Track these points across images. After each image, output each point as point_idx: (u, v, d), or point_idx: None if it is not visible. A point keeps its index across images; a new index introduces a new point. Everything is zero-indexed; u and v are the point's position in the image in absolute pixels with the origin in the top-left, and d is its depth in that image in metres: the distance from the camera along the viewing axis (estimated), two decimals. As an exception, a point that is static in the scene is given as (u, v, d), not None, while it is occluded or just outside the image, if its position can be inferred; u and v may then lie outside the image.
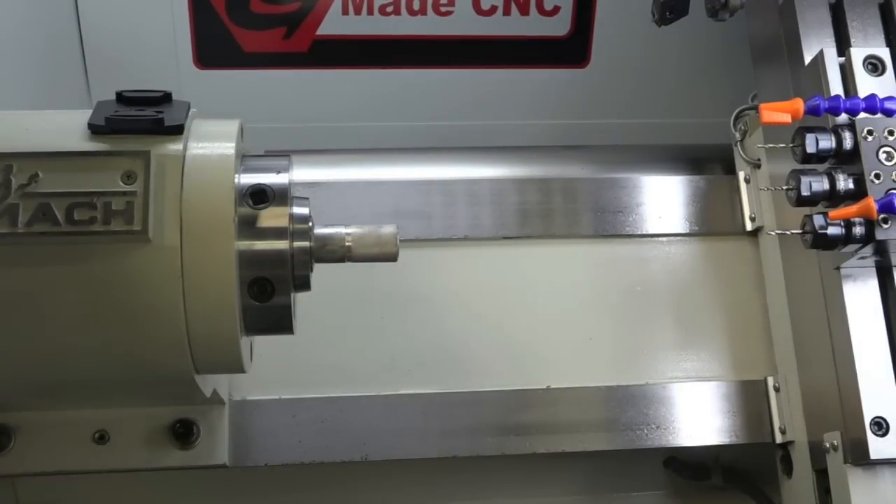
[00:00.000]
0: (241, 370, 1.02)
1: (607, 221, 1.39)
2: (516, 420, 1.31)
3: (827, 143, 1.11)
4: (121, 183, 0.93)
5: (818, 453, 1.21)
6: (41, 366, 0.99)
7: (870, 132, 1.10)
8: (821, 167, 1.13)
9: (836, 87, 1.18)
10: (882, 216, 1.07)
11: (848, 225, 1.09)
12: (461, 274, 1.35)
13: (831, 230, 1.10)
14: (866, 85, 1.17)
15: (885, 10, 1.26)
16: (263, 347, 1.12)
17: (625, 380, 1.33)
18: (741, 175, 1.40)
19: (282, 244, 1.00)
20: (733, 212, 1.40)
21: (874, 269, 1.18)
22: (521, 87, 1.77)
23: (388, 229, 1.06)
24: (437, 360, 1.32)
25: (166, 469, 1.19)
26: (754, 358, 1.36)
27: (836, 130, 1.12)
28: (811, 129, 1.12)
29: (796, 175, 1.12)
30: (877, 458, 1.13)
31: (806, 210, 1.14)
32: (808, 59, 1.23)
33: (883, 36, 1.25)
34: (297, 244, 1.01)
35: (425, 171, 1.42)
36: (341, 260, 1.05)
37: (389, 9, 1.68)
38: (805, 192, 1.11)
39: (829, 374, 1.19)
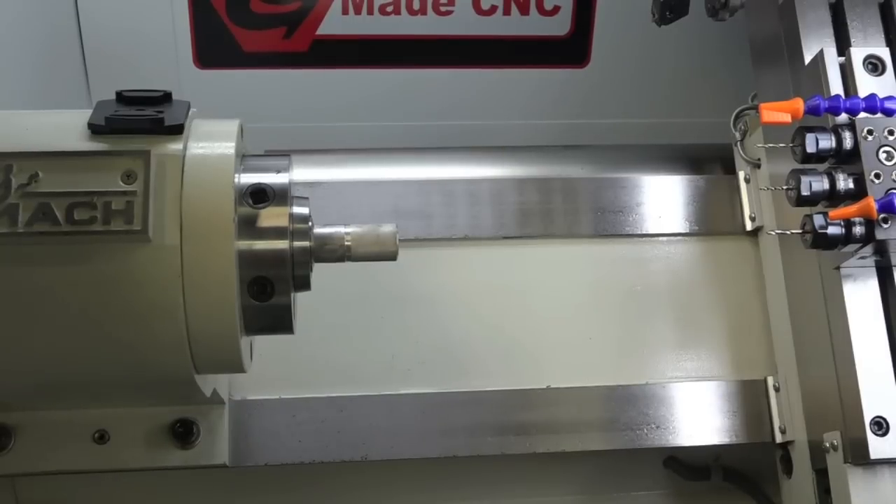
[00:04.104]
0: (241, 370, 1.02)
1: (607, 221, 1.39)
2: (516, 420, 1.31)
3: (827, 142, 1.11)
4: (121, 183, 0.93)
5: (818, 453, 1.21)
6: (41, 365, 0.99)
7: (870, 132, 1.10)
8: (821, 167, 1.13)
9: (836, 86, 1.18)
10: (882, 216, 1.07)
11: (848, 225, 1.09)
12: (461, 274, 1.35)
13: (831, 230, 1.10)
14: (866, 85, 1.17)
15: (885, 10, 1.26)
16: (263, 347, 1.12)
17: (625, 380, 1.33)
18: (741, 175, 1.40)
19: (282, 244, 1.00)
20: (733, 212, 1.40)
21: (874, 269, 1.18)
22: (521, 86, 1.76)
23: (388, 228, 1.07)
24: (437, 360, 1.31)
25: (166, 469, 1.19)
26: (754, 358, 1.36)
27: (836, 130, 1.11)
28: (811, 129, 1.12)
29: (796, 175, 1.12)
30: (877, 458, 1.12)
31: (806, 210, 1.14)
32: (808, 58, 1.23)
33: (883, 36, 1.25)
34: (296, 244, 1.01)
35: (425, 171, 1.42)
36: (341, 259, 1.05)
37: (389, 9, 1.68)
38: (805, 192, 1.11)
39: (829, 374, 1.19)
